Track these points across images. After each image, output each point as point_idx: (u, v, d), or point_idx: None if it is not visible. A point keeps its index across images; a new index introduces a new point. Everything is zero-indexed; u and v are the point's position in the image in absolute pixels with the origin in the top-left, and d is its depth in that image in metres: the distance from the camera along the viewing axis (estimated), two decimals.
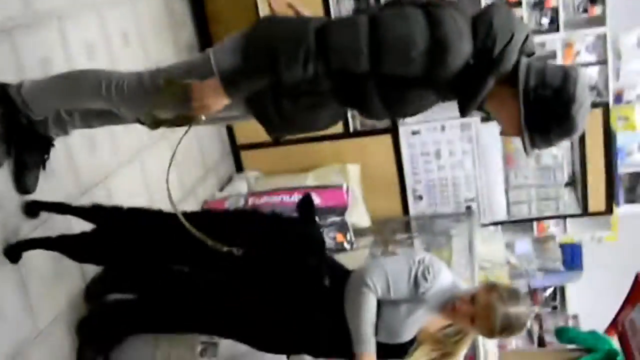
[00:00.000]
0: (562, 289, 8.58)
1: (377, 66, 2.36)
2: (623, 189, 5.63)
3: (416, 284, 2.84)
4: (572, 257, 7.83)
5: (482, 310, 2.77)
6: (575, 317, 8.31)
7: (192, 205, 4.91)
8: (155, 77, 2.62)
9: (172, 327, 3.23)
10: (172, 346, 3.40)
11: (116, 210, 3.09)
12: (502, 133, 2.57)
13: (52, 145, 3.11)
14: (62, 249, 3.05)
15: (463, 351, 2.98)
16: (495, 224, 5.64)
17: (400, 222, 5.65)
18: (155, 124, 2.64)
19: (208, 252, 2.76)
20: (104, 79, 2.71)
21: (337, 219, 4.76)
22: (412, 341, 2.91)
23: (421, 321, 2.88)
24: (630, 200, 5.76)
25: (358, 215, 5.19)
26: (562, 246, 7.25)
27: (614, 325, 6.09)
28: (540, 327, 5.49)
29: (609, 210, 5.48)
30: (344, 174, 5.28)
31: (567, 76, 2.35)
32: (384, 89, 2.43)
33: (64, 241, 3.04)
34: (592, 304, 7.54)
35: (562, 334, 4.23)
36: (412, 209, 5.62)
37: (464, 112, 2.49)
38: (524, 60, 2.38)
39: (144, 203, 3.92)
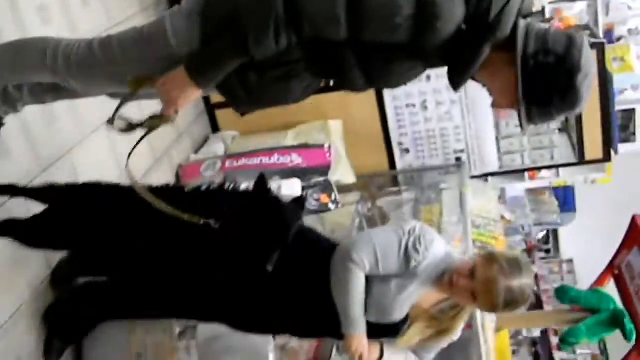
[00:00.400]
0: (555, 232, 8.48)
1: (357, 33, 2.09)
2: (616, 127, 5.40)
3: (407, 257, 2.59)
4: (564, 199, 7.70)
5: (482, 286, 2.53)
6: (569, 261, 8.22)
7: (165, 171, 4.67)
8: (107, 45, 2.33)
9: (147, 314, 2.99)
10: (149, 331, 3.18)
11: (70, 188, 2.81)
12: (494, 105, 2.29)
13: (2, 124, 2.83)
14: (12, 234, 2.77)
15: (460, 326, 2.77)
16: (487, 175, 5.41)
17: (387, 177, 5.45)
18: (124, 129, 2.37)
19: (176, 228, 2.54)
20: (50, 48, 2.40)
21: (320, 179, 4.55)
22: (405, 319, 2.67)
23: (414, 297, 2.64)
24: (624, 139, 5.56)
25: (342, 172, 4.96)
26: (555, 189, 7.09)
27: (610, 268, 5.97)
28: (537, 285, 5.30)
29: (606, 158, 5.25)
30: (325, 131, 5.04)
31: (571, 42, 2.07)
32: (364, 58, 2.17)
33: (11, 226, 2.77)
34: (586, 247, 7.45)
35: (562, 294, 3.99)
36: (399, 163, 5.40)
37: (456, 85, 2.23)
38: (522, 22, 2.10)
39: (115, 176, 3.67)
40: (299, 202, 2.90)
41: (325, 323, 2.68)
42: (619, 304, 3.89)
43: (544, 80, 2.08)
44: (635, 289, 5.47)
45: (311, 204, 4.46)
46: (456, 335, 2.77)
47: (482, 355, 3.60)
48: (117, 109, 2.33)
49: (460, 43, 2.10)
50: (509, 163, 5.37)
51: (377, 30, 2.08)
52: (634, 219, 5.50)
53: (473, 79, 2.25)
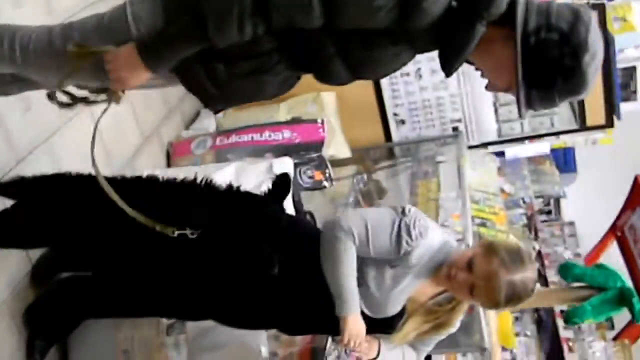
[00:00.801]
0: None
1: (333, 20, 1.90)
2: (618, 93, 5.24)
3: (399, 238, 2.42)
4: (565, 159, 7.54)
5: (482, 281, 2.36)
6: (571, 223, 8.08)
7: (155, 149, 4.53)
8: (67, 35, 2.13)
9: (131, 312, 2.85)
10: (135, 327, 3.07)
11: (39, 181, 2.64)
12: (489, 87, 2.09)
13: None
14: None
15: (459, 319, 2.63)
16: (485, 144, 5.26)
17: (383, 150, 5.32)
18: (63, 103, 2.18)
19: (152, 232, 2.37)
20: (6, 37, 2.20)
21: (313, 155, 4.42)
22: (400, 313, 2.54)
23: (409, 290, 2.49)
24: (625, 98, 5.41)
25: (337, 147, 4.84)
26: (554, 150, 6.94)
27: (612, 230, 5.88)
28: (542, 264, 5.16)
29: (609, 123, 5.09)
30: (319, 103, 4.90)
31: (577, 17, 1.88)
32: (344, 47, 1.99)
33: None
34: (588, 209, 7.33)
35: (566, 271, 3.81)
36: (395, 135, 5.26)
37: (448, 70, 2.03)
38: None
39: (99, 162, 3.50)
40: (283, 183, 2.69)
41: (320, 318, 2.55)
42: (627, 282, 3.73)
43: (545, 60, 1.90)
44: (639, 252, 5.39)
45: (305, 181, 4.37)
46: (455, 327, 2.64)
47: (484, 337, 3.50)
48: (59, 83, 2.14)
49: (451, 23, 1.91)
50: (508, 131, 5.22)
51: (355, 15, 1.89)
52: (636, 179, 5.40)
53: (467, 61, 2.05)
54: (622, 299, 3.54)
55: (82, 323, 3.01)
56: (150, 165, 4.35)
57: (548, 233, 7.59)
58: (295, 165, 4.26)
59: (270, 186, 2.62)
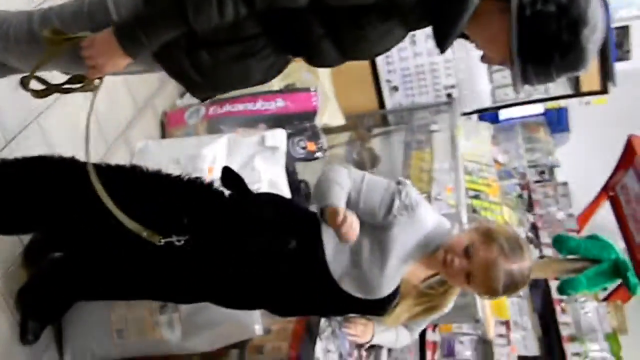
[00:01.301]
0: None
1: None
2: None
3: (391, 200, 2.36)
4: (558, 119, 7.49)
5: (480, 269, 2.30)
6: (564, 184, 8.07)
7: (150, 119, 4.49)
8: (46, 21, 2.07)
9: (121, 295, 2.84)
10: (129, 307, 3.06)
11: (21, 163, 2.52)
12: (484, 60, 2.03)
13: None
14: None
15: (451, 302, 2.60)
16: (479, 111, 5.22)
17: (376, 117, 5.28)
18: (36, 91, 2.10)
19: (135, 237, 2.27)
20: None
21: (306, 125, 4.40)
22: (393, 295, 2.48)
23: (401, 272, 2.44)
24: (619, 57, 5.35)
25: (330, 115, 4.80)
26: (548, 111, 6.90)
27: (605, 190, 5.87)
28: (536, 235, 5.14)
29: (604, 89, 5.05)
30: (312, 71, 4.82)
31: None
32: (333, 26, 1.92)
33: None
34: (581, 169, 7.32)
35: (560, 244, 3.76)
36: (388, 102, 5.20)
37: (442, 45, 1.94)
38: None
39: (91, 141, 3.46)
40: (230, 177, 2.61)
41: (316, 300, 2.52)
42: (621, 253, 3.71)
43: (542, 34, 1.83)
44: (632, 213, 5.39)
45: (298, 152, 4.35)
46: (447, 309, 2.61)
47: (477, 308, 3.50)
48: (33, 70, 2.08)
49: None
50: (502, 97, 5.17)
51: None
52: (629, 139, 5.36)
53: (462, 35, 1.98)
54: (617, 271, 3.53)
55: (77, 304, 3.02)
56: (145, 136, 4.32)
57: (541, 194, 7.58)
58: (289, 136, 4.23)
59: (225, 187, 2.54)
